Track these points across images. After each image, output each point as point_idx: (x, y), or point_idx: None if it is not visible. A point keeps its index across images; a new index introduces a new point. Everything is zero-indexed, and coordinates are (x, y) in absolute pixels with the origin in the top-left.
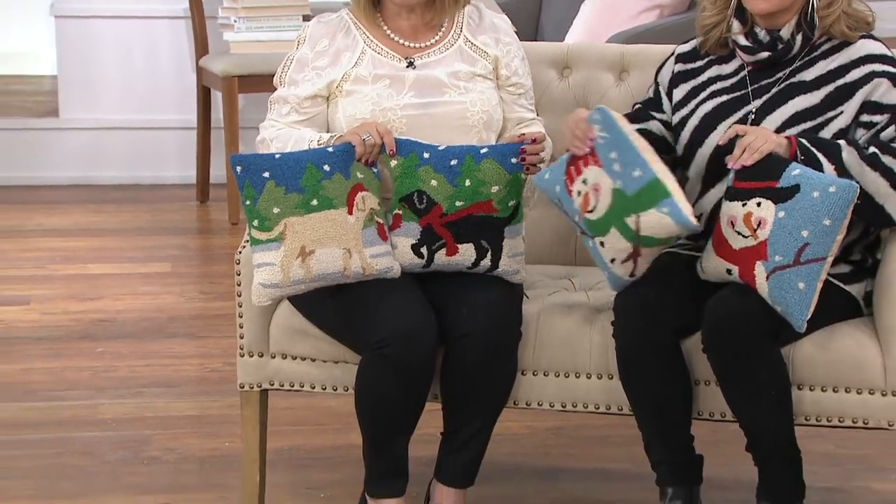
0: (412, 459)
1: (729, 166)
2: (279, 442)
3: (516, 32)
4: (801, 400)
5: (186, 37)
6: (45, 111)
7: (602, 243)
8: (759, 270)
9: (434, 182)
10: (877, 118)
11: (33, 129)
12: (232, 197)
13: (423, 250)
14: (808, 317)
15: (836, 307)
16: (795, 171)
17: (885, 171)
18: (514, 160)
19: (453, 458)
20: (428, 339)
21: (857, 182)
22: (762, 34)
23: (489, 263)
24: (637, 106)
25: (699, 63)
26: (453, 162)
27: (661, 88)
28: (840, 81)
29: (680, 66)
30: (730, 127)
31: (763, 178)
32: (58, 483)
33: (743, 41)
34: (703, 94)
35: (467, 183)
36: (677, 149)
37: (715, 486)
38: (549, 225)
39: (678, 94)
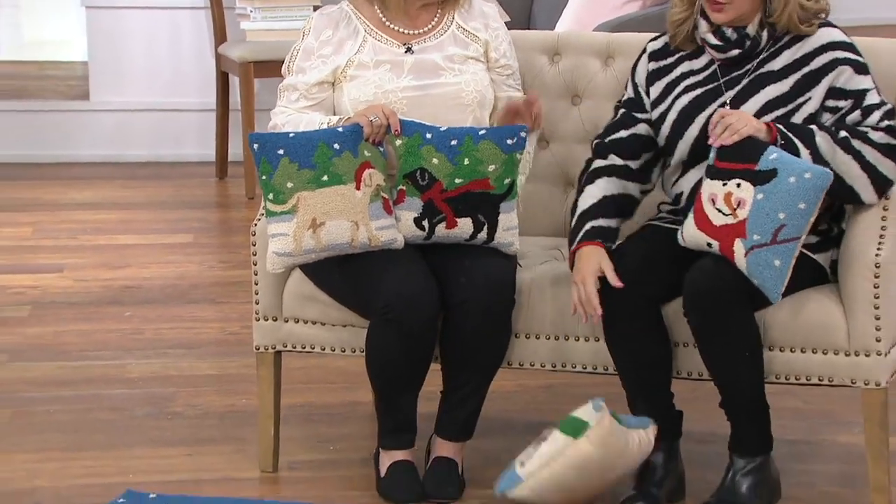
0: None
1: (710, 142)
2: (292, 399)
3: (509, 21)
4: (771, 360)
5: (206, 26)
6: (76, 94)
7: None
8: (738, 247)
9: (435, 160)
10: (842, 103)
11: (66, 110)
12: (248, 173)
13: (425, 223)
14: (783, 290)
15: (805, 275)
16: (773, 156)
17: (855, 154)
18: (509, 141)
19: (451, 415)
20: (429, 305)
21: (829, 164)
22: (730, 32)
23: (485, 236)
24: (621, 111)
25: (670, 60)
26: (453, 142)
27: (639, 88)
28: (806, 69)
29: (653, 65)
30: (710, 116)
31: (742, 161)
32: (89, 436)
33: (712, 40)
34: (678, 90)
35: (466, 162)
36: (658, 141)
37: (693, 440)
38: (540, 199)
39: (654, 91)
